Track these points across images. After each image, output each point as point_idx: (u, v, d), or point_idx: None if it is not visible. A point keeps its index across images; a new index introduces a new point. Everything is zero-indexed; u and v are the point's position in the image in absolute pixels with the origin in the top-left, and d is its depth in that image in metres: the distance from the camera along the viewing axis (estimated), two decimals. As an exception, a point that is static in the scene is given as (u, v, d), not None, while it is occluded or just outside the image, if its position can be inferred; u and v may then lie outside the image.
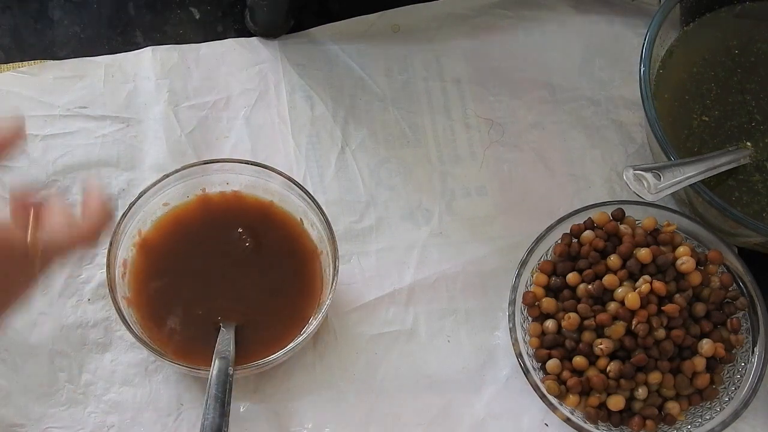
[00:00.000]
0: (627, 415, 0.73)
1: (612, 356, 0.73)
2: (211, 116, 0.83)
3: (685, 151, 0.77)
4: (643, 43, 0.76)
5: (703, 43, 0.81)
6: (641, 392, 0.72)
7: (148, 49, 0.84)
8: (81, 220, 0.56)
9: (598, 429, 0.73)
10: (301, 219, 0.76)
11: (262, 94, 0.84)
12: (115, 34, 0.85)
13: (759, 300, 0.75)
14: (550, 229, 0.77)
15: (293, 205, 0.76)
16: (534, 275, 0.77)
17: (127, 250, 0.74)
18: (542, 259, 0.77)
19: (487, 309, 0.79)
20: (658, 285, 0.72)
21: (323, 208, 0.74)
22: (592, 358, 0.73)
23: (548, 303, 0.75)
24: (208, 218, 0.76)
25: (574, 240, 0.77)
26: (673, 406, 0.73)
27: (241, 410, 0.74)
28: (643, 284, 0.73)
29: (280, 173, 0.74)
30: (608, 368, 0.72)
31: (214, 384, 0.67)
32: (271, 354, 0.70)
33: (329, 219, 0.73)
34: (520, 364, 0.73)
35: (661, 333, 0.72)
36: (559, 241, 0.77)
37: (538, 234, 0.76)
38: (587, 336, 0.73)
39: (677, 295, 0.73)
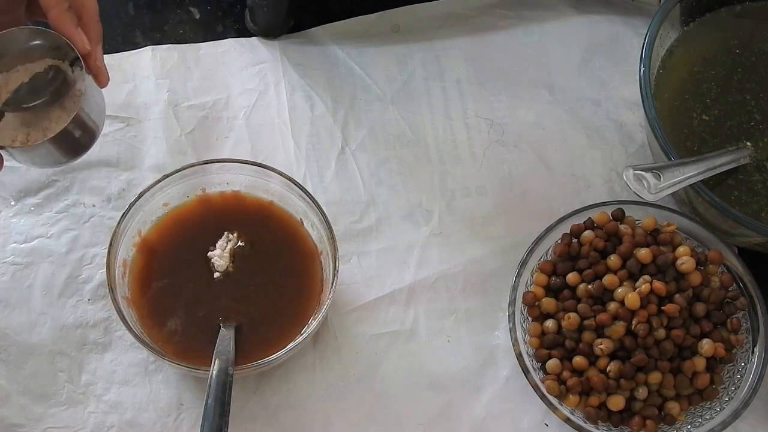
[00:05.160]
0: (627, 415, 0.73)
1: (612, 356, 0.73)
2: (211, 116, 0.83)
3: (685, 150, 0.77)
4: (643, 43, 0.76)
5: (703, 43, 0.81)
6: (641, 392, 0.72)
7: (148, 48, 0.84)
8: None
9: (598, 429, 0.73)
10: (301, 219, 0.76)
11: (262, 94, 0.84)
12: (115, 33, 0.85)
13: (759, 300, 0.75)
14: (550, 229, 0.77)
15: (293, 205, 0.76)
16: (534, 275, 0.77)
17: (127, 250, 0.74)
18: (542, 259, 0.77)
19: (487, 309, 0.79)
20: (658, 285, 0.72)
21: (323, 208, 0.74)
22: (592, 358, 0.73)
23: (548, 303, 0.75)
24: (208, 218, 0.76)
25: (574, 240, 0.77)
26: (673, 406, 0.73)
27: (241, 410, 0.74)
28: (643, 284, 0.72)
29: (280, 173, 0.74)
30: (608, 368, 0.72)
31: (214, 384, 0.67)
32: (271, 354, 0.70)
33: (329, 219, 0.73)
34: (520, 364, 0.73)
35: (661, 333, 0.72)
36: (559, 241, 0.77)
37: (538, 234, 0.76)
38: (587, 336, 0.73)
39: (677, 295, 0.73)
